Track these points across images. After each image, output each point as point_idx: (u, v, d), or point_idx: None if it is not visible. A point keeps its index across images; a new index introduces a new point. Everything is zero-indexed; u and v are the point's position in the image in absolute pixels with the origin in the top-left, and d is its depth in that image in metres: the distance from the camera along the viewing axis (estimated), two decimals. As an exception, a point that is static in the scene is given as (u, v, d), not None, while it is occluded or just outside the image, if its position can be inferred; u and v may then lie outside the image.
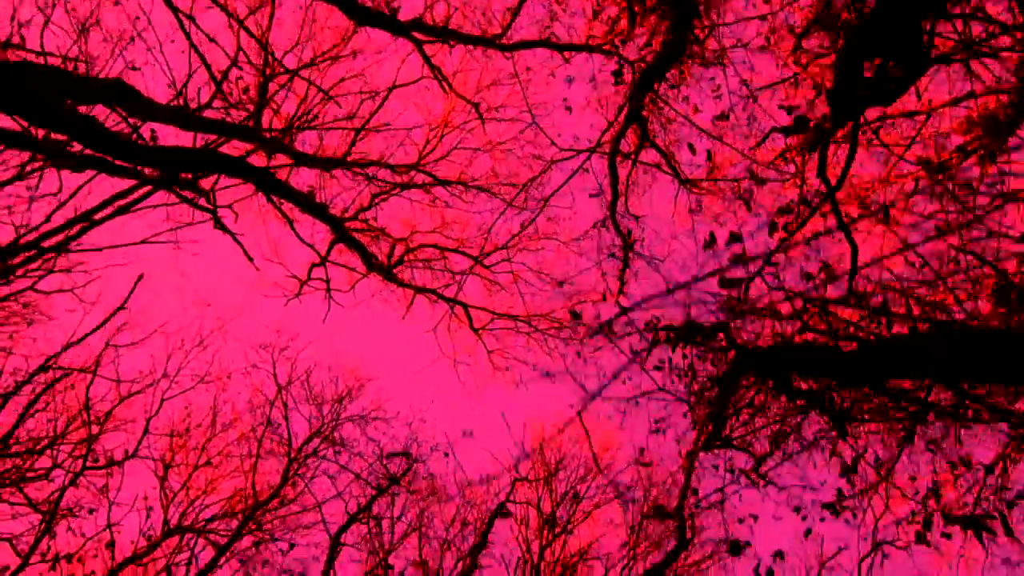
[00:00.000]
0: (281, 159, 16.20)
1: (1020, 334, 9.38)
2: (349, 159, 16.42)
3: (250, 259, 16.87)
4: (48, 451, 19.68)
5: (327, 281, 18.57)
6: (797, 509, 14.92)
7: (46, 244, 16.49)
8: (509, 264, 19.24)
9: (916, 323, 10.63)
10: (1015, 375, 9.40)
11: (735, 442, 15.52)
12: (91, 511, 18.79)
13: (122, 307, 17.15)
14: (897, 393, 11.09)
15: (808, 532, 14.36)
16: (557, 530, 19.01)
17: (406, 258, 18.09)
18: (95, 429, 20.09)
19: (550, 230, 18.42)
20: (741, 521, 15.00)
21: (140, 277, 15.90)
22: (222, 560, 16.60)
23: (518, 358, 19.46)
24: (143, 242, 16.99)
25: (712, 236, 13.23)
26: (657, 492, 19.24)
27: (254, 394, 19.87)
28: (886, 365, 9.82)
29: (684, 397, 14.45)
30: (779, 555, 13.24)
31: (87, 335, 18.32)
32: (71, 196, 17.37)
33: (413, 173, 17.77)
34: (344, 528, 13.36)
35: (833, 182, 11.06)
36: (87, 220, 16.02)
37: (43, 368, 19.88)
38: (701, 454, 15.00)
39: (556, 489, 19.18)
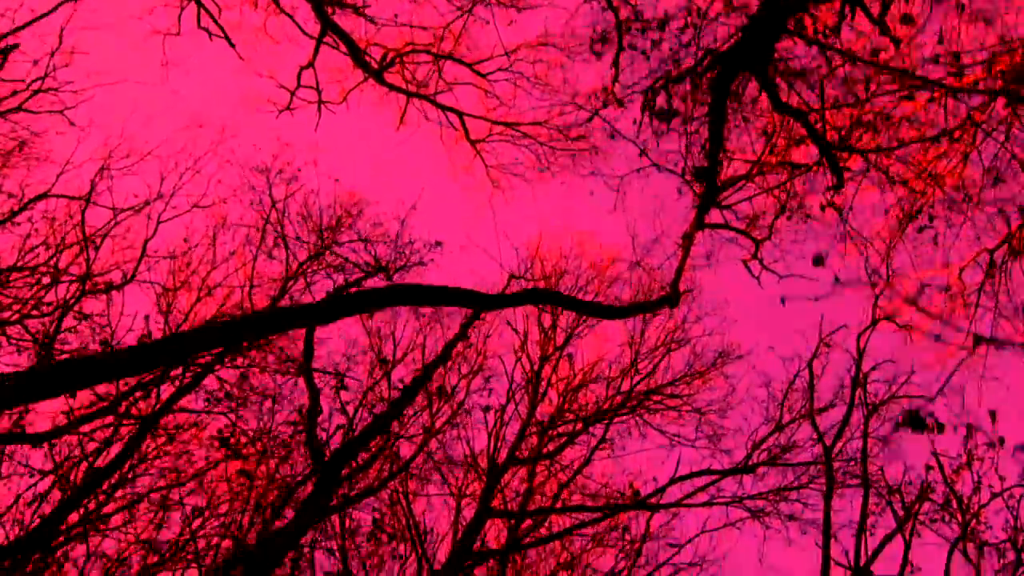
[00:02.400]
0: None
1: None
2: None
3: (235, 48, 16.38)
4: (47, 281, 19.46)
5: (318, 91, 18.05)
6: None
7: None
8: (509, 73, 18.59)
9: None
10: None
11: (733, 219, 15.05)
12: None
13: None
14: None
15: (783, 300, 14.08)
16: (559, 343, 18.79)
17: (398, 61, 17.46)
18: (92, 254, 19.88)
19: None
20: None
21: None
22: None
23: (517, 173, 18.90)
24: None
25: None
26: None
27: (250, 216, 19.52)
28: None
29: (678, 171, 13.97)
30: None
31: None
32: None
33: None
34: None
35: None
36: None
37: (39, 197, 19.62)
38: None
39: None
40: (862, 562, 12.83)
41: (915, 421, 14.78)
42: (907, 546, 13.45)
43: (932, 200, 15.14)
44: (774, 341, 19.97)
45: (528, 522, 16.80)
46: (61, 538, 13.49)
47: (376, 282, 15.04)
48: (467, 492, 16.30)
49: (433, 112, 19.23)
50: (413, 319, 17.17)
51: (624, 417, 18.63)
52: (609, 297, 19.73)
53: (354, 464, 16.27)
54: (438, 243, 14.41)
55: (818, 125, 10.61)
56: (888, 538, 13.59)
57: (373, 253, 14.01)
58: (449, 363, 15.29)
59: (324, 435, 13.33)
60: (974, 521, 14.37)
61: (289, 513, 12.62)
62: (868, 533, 13.45)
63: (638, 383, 18.83)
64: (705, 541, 17.68)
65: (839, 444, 15.48)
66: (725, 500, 17.03)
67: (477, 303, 8.66)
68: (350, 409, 14.59)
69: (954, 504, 14.50)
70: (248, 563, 9.97)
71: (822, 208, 13.00)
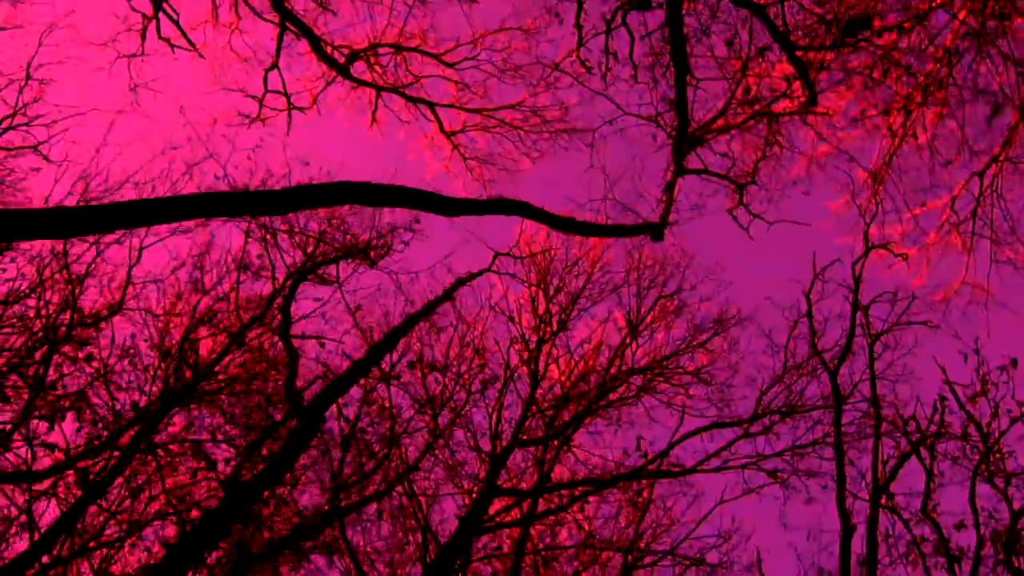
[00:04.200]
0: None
1: None
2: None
3: (199, 53, 16.40)
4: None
5: (286, 94, 17.97)
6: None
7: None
8: (476, 61, 18.55)
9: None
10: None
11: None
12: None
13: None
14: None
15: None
16: (555, 327, 18.47)
17: (363, 57, 17.42)
18: (77, 289, 19.69)
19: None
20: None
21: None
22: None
23: (495, 163, 18.74)
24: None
25: None
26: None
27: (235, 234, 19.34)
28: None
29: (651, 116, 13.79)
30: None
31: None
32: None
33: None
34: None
35: None
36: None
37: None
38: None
39: (551, 283, 18.60)
40: (880, 482, 12.38)
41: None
42: (929, 474, 12.96)
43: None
44: (772, 295, 19.48)
45: (541, 503, 16.39)
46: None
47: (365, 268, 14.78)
48: (474, 476, 15.90)
49: (406, 110, 19.25)
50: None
51: (628, 393, 18.28)
52: (604, 280, 19.56)
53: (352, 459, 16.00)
54: (416, 220, 14.18)
55: (779, 20, 10.39)
56: (905, 457, 13.11)
57: (352, 237, 13.75)
58: (438, 333, 15.09)
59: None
60: (996, 449, 13.85)
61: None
62: (882, 459, 13.01)
63: (639, 358, 18.52)
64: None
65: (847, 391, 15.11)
66: (739, 463, 16.55)
67: (438, 206, 8.35)
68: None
69: (973, 433, 14.01)
70: (230, 491, 9.62)
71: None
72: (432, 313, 13.34)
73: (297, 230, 12.95)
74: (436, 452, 17.04)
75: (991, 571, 12.59)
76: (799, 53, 10.71)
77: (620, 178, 14.99)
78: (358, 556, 14.74)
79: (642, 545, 16.61)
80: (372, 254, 13.66)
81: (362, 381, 15.54)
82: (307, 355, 13.98)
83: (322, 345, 13.07)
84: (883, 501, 12.46)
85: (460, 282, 13.61)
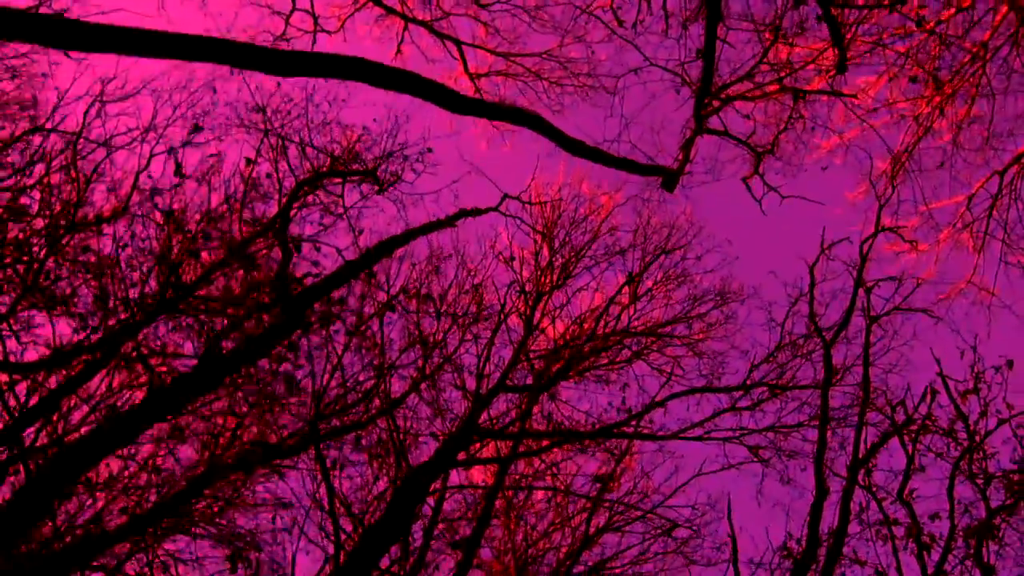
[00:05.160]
0: None
1: None
2: None
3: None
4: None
5: (313, 16, 17.76)
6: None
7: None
8: (507, 6, 18.30)
9: None
10: None
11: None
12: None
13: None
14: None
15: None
16: (555, 280, 18.37)
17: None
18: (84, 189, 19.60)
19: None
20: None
21: None
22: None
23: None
24: None
25: None
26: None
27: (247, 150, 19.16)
28: None
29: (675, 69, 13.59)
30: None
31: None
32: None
33: None
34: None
35: None
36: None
37: (32, 131, 19.38)
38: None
39: (556, 237, 18.48)
40: (860, 456, 12.31)
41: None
42: (910, 460, 12.89)
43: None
44: (776, 271, 19.28)
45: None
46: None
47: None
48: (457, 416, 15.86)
49: (433, 47, 19.03)
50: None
51: (620, 357, 18.20)
52: (610, 241, 19.40)
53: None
54: (429, 150, 14.00)
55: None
56: (887, 436, 13.03)
57: (362, 158, 13.57)
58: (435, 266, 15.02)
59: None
60: (980, 447, 13.77)
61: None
62: (865, 439, 12.93)
63: (635, 323, 18.43)
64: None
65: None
66: (721, 435, 16.51)
67: (449, 101, 8.19)
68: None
69: (959, 429, 13.93)
70: (205, 360, 9.60)
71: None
72: (432, 231, 13.19)
73: (307, 142, 12.79)
74: (422, 392, 17.02)
75: (959, 563, 12.57)
76: (834, 11, 10.50)
77: (640, 131, 14.76)
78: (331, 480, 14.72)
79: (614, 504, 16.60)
80: (381, 177, 13.50)
81: (355, 305, 15.51)
82: (302, 267, 13.82)
83: (318, 249, 12.95)
84: (860, 479, 12.41)
85: (465, 212, 13.47)
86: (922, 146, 16.08)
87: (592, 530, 17.18)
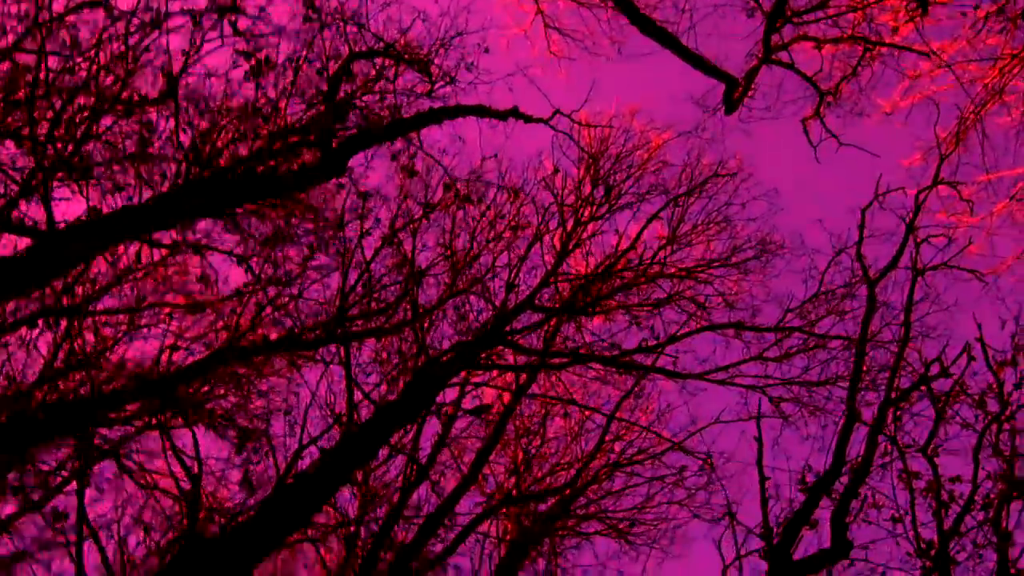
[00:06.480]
0: None
1: None
2: None
3: None
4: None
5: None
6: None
7: None
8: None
9: None
10: None
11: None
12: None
13: None
14: None
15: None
16: (595, 210, 18.07)
17: None
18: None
19: None
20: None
21: None
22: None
23: (579, 41, 17.84)
24: None
25: None
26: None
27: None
28: None
29: None
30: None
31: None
32: None
33: None
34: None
35: None
36: None
37: (88, 4, 19.25)
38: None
39: (602, 166, 18.11)
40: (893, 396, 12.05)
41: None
42: (938, 416, 12.58)
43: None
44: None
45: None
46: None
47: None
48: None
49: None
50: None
51: (651, 295, 17.94)
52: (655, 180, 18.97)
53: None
54: (486, 49, 13.64)
55: None
56: (914, 386, 12.71)
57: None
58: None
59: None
60: (1010, 417, 13.44)
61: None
62: (897, 385, 12.63)
63: (670, 266, 18.10)
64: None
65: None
66: (746, 382, 16.28)
67: None
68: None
69: (991, 399, 13.59)
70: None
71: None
72: (483, 116, 12.88)
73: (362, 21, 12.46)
74: (447, 310, 16.85)
75: (977, 527, 12.32)
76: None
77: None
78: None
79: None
80: (433, 71, 13.23)
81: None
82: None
83: (365, 119, 12.65)
84: (888, 423, 12.14)
85: (516, 111, 13.12)
86: (989, 114, 15.58)
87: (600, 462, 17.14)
